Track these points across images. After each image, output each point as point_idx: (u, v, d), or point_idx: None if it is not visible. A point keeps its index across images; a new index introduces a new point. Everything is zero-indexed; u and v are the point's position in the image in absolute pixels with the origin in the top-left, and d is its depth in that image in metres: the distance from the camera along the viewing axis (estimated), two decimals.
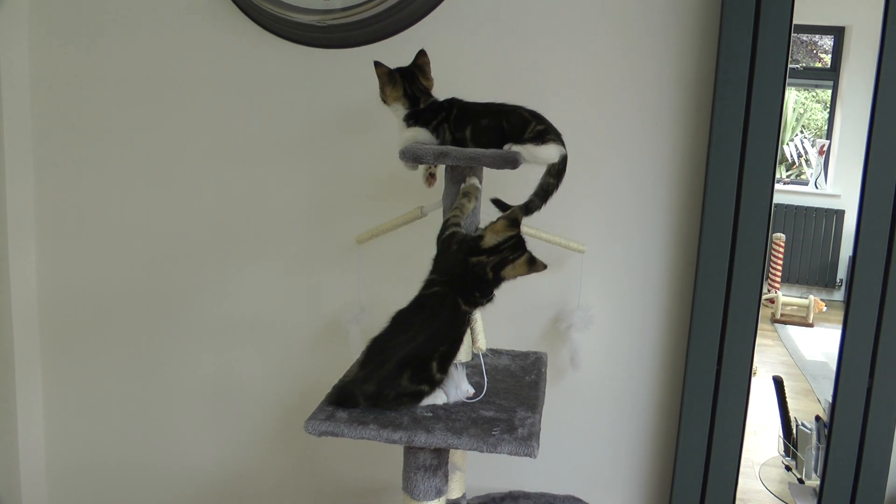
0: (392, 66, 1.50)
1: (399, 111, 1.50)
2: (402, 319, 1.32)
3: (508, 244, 1.31)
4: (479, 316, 1.37)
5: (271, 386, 2.02)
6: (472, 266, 1.31)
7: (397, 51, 1.68)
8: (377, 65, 1.49)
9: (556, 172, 1.45)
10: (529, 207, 1.46)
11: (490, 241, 1.31)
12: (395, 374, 1.29)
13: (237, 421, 2.06)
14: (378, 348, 1.31)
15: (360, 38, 1.82)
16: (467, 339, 1.39)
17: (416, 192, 1.61)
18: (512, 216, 1.32)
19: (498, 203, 1.46)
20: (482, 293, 1.32)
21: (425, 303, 1.31)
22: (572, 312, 1.75)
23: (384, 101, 1.51)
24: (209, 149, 1.95)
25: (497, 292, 1.33)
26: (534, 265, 1.32)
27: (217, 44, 1.90)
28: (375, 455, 1.96)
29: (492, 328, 1.45)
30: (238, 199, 1.96)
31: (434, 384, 1.32)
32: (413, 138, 1.47)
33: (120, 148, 1.99)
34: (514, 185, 1.50)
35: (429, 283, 1.33)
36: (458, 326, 1.31)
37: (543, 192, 1.45)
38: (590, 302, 1.80)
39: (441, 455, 1.33)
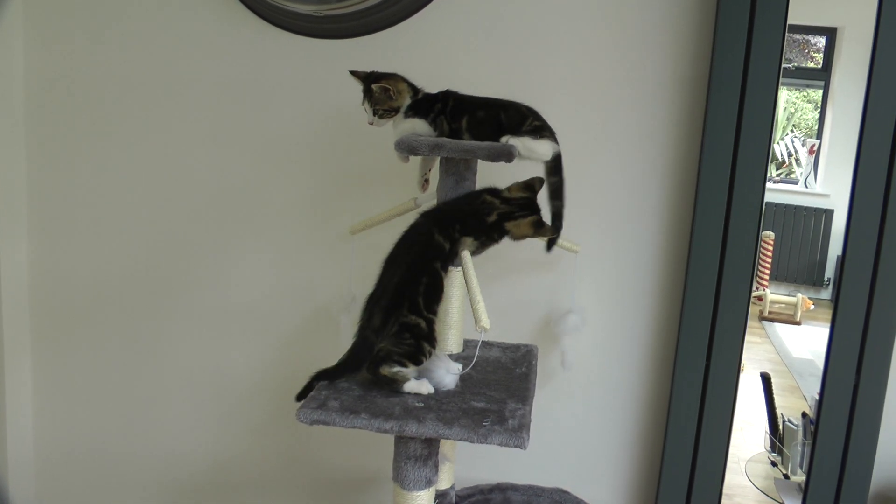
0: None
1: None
2: (388, 257, 1.37)
3: (520, 202, 1.38)
4: (478, 289, 1.33)
5: (262, 375, 2.02)
6: (482, 203, 1.38)
7: (393, 42, 1.69)
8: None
9: (553, 170, 1.46)
10: (556, 212, 1.49)
11: (509, 193, 1.40)
12: (396, 304, 1.32)
13: (227, 409, 2.05)
14: (374, 289, 1.36)
15: (356, 28, 1.82)
16: (464, 330, 1.38)
17: (410, 184, 1.61)
18: (528, 181, 1.40)
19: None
20: (465, 228, 1.35)
21: (404, 235, 1.37)
22: (565, 316, 1.75)
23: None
24: (203, 139, 1.95)
25: (493, 247, 1.39)
26: (540, 229, 1.38)
27: (213, 33, 1.90)
28: (366, 444, 1.96)
29: None
30: (231, 189, 1.95)
31: (427, 321, 1.33)
32: (411, 129, 1.47)
33: (113, 138, 1.98)
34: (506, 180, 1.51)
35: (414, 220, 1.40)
36: (433, 257, 1.33)
37: (556, 192, 1.47)
38: (581, 298, 1.80)
39: (431, 445, 1.33)
